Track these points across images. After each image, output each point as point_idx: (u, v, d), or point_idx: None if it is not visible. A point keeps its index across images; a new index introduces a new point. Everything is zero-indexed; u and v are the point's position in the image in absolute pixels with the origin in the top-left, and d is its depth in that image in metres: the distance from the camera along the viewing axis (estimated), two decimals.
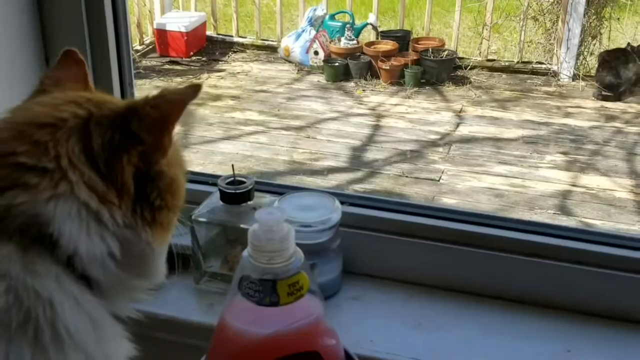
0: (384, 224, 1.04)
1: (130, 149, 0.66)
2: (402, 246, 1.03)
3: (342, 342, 0.83)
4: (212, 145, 3.86)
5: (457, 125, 4.16)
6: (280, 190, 1.08)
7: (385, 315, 0.98)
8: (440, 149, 3.86)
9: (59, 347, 0.62)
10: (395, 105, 4.41)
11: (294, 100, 4.50)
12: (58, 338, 0.62)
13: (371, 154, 3.80)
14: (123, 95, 1.19)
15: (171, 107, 0.67)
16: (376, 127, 4.13)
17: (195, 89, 0.68)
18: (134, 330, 0.86)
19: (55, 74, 0.76)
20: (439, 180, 3.51)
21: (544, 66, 4.76)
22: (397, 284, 1.03)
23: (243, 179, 1.03)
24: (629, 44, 4.42)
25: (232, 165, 1.05)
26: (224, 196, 1.02)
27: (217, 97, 4.53)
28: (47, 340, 0.61)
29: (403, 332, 0.95)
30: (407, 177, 3.54)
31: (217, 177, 1.08)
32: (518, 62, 4.83)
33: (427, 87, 4.62)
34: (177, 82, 4.70)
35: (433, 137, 4.00)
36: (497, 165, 3.66)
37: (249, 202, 1.02)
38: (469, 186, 3.47)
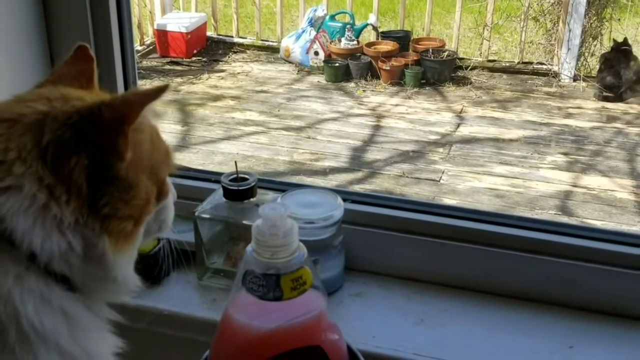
0: (386, 221, 1.05)
1: (80, 149, 0.63)
2: (403, 243, 1.03)
3: (344, 337, 0.84)
4: (213, 145, 3.87)
5: (458, 125, 4.16)
6: (283, 188, 1.09)
7: (387, 311, 0.98)
8: (441, 150, 3.86)
9: (25, 346, 0.61)
10: (396, 105, 4.41)
11: (294, 101, 4.50)
12: (23, 336, 0.61)
13: (371, 154, 3.80)
14: None
15: (127, 108, 0.64)
16: (376, 128, 4.14)
17: (159, 90, 0.65)
18: (137, 325, 0.87)
19: (61, 69, 0.76)
20: (439, 181, 3.51)
21: (544, 67, 4.76)
22: (399, 280, 1.04)
23: (246, 176, 1.04)
24: (621, 40, 4.42)
25: (235, 163, 1.06)
26: (227, 193, 1.02)
27: (218, 98, 4.54)
28: (13, 339, 0.60)
29: (405, 328, 0.95)
30: (407, 177, 3.55)
31: (220, 174, 1.09)
32: (519, 63, 4.84)
33: (427, 88, 4.62)
34: (177, 82, 4.71)
35: (433, 137, 4.01)
36: (498, 165, 3.66)
37: (251, 199, 1.03)
38: (469, 186, 3.47)
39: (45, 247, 0.62)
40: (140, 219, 0.69)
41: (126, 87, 1.19)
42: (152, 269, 1.04)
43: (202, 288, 1.04)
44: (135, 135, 0.65)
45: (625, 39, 4.43)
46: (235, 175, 1.04)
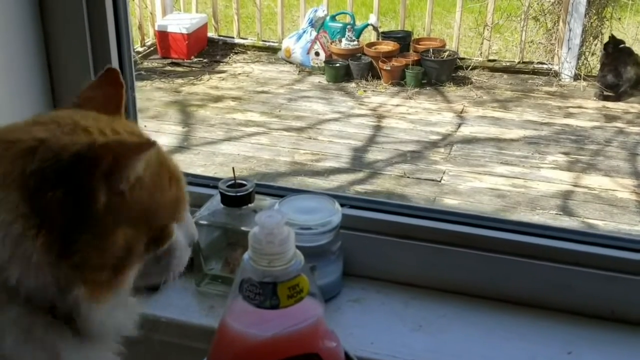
0: (384, 226, 1.04)
1: (58, 183, 0.60)
2: (402, 248, 1.03)
3: (342, 345, 0.84)
4: (214, 146, 3.87)
5: (459, 125, 4.16)
6: (281, 193, 1.09)
7: (386, 317, 0.98)
8: (442, 150, 3.86)
9: None
10: (397, 105, 4.41)
11: (295, 101, 4.50)
12: None
13: (372, 155, 3.80)
14: None
15: (105, 154, 0.60)
16: (377, 128, 4.13)
17: (141, 146, 0.62)
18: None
19: (88, 92, 0.74)
20: (440, 181, 3.51)
21: (545, 66, 4.76)
22: (398, 286, 1.04)
23: (244, 182, 1.04)
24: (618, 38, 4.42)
25: (233, 169, 1.06)
26: (225, 199, 1.02)
27: (218, 99, 4.54)
28: None
29: (403, 334, 0.95)
30: (408, 177, 3.54)
31: (218, 179, 1.08)
32: (519, 63, 4.83)
33: (428, 88, 4.62)
34: (178, 84, 4.71)
35: (434, 137, 4.01)
36: (499, 165, 3.66)
37: (249, 205, 1.03)
38: (470, 187, 3.47)
39: (23, 280, 0.59)
40: (122, 268, 0.65)
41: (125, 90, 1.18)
42: None
43: (200, 294, 1.04)
44: (118, 182, 0.62)
45: (620, 40, 4.43)
46: (233, 181, 1.03)
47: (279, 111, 4.37)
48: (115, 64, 1.16)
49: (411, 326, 0.97)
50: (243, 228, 1.01)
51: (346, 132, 4.07)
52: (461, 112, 4.32)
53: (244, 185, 1.03)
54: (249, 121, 4.24)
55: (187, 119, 4.26)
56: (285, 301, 0.79)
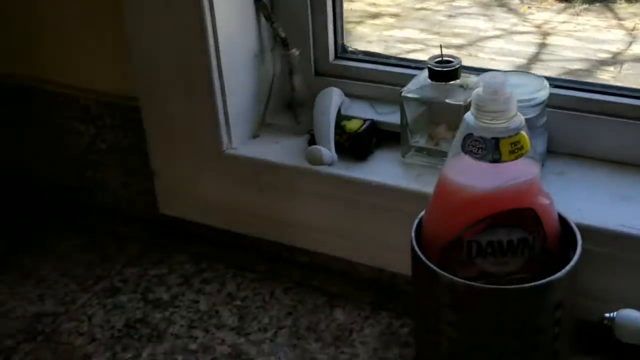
0: (590, 104, 1.06)
1: None
2: (610, 127, 1.04)
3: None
4: None
5: (630, 44, 3.93)
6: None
7: (591, 188, 1.00)
8: (611, 68, 3.68)
9: None
10: (563, 22, 4.21)
11: (454, 18, 4.41)
12: None
13: (537, 73, 3.69)
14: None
15: None
16: (542, 46, 3.99)
17: None
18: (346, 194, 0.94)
19: None
20: None
21: None
22: (601, 162, 1.05)
23: (450, 59, 1.08)
24: None
25: (440, 46, 1.10)
26: (433, 74, 1.07)
27: (376, 15, 4.54)
28: None
29: (609, 204, 0.97)
30: None
31: (420, 61, 1.14)
32: None
33: (597, 4, 4.36)
34: None
35: (603, 56, 3.81)
36: None
37: (456, 81, 1.07)
38: None
39: None
40: None
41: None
42: (357, 146, 1.13)
43: (406, 165, 1.11)
44: None
45: None
46: (440, 58, 1.08)
47: (438, 28, 4.32)
48: None
49: (617, 197, 0.98)
50: (448, 101, 1.06)
51: (508, 50, 3.95)
52: (632, 30, 4.06)
53: (451, 61, 1.08)
54: (407, 38, 4.22)
55: (345, 36, 4.30)
56: (507, 156, 0.83)
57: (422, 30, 4.33)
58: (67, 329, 1.08)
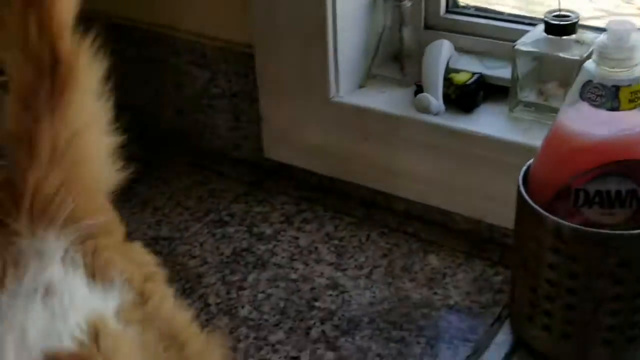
0: None
1: None
2: None
3: None
4: None
5: None
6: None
7: None
8: None
9: None
10: None
11: None
12: None
13: None
14: None
15: None
16: None
17: None
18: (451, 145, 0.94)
19: None
20: None
21: None
22: None
23: (568, 14, 1.08)
24: None
25: (559, 1, 1.10)
26: (549, 27, 1.07)
27: None
28: None
29: None
30: None
31: (537, 18, 1.14)
32: None
33: None
34: None
35: None
36: None
37: (572, 36, 1.07)
38: None
39: None
40: None
41: None
42: (464, 98, 1.14)
43: (513, 119, 1.11)
44: None
45: None
46: (557, 12, 1.08)
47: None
48: None
49: None
50: (562, 55, 1.06)
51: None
52: None
53: (568, 16, 1.07)
54: None
55: None
56: (626, 104, 0.83)
57: (513, 7, 4.23)
58: (181, 252, 1.16)
